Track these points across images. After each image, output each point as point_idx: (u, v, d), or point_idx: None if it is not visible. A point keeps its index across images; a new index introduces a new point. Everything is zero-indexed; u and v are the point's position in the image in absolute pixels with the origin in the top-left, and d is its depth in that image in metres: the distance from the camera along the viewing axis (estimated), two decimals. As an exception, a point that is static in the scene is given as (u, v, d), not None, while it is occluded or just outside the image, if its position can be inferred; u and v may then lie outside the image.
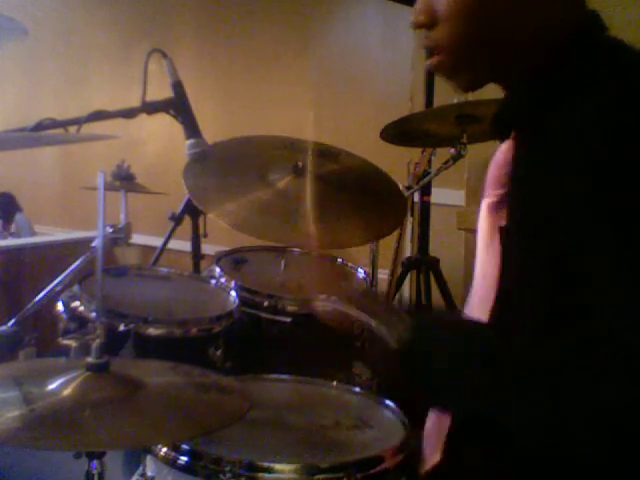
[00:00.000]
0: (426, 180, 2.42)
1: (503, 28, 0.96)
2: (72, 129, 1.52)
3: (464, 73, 1.01)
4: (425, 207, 2.88)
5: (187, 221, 2.43)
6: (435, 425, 1.31)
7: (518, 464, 0.94)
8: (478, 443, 0.99)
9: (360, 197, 1.89)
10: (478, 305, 1.11)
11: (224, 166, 1.84)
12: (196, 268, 2.44)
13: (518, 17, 0.96)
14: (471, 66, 1.00)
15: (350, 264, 2.18)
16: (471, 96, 1.74)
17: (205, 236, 2.43)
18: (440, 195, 3.08)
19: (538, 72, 0.97)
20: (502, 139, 1.02)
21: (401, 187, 2.20)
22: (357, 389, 1.58)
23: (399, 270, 2.69)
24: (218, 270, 1.95)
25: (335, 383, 1.59)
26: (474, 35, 0.97)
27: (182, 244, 2.46)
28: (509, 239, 0.99)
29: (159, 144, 4.49)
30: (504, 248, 1.00)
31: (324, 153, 1.94)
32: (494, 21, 0.96)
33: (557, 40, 0.96)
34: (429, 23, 0.97)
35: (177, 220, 2.40)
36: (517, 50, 0.98)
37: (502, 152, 1.02)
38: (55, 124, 1.53)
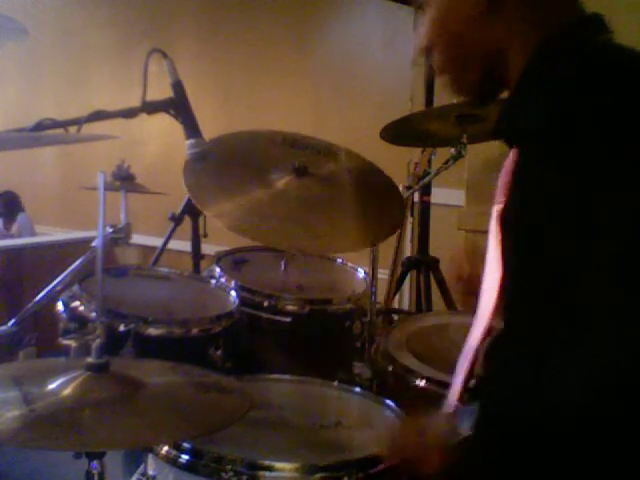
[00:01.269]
0: (426, 180, 2.41)
1: (476, 42, 1.03)
2: (72, 129, 1.52)
3: (463, 87, 1.09)
4: (425, 207, 2.88)
5: (187, 221, 2.43)
6: None
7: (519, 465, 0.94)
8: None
9: (359, 197, 1.89)
10: (482, 310, 1.12)
11: (224, 166, 1.84)
12: (196, 268, 2.44)
13: (485, 31, 1.01)
14: (464, 80, 1.07)
15: (350, 264, 2.18)
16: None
17: (205, 236, 2.43)
18: (440, 195, 3.08)
19: (523, 78, 0.99)
20: (510, 146, 1.04)
21: (401, 187, 2.20)
22: (357, 389, 1.58)
23: (399, 270, 2.69)
24: (218, 270, 1.95)
25: (335, 383, 1.59)
26: (454, 53, 1.06)
27: (182, 244, 2.46)
28: (507, 242, 1.00)
29: (159, 144, 4.49)
30: (502, 251, 1.02)
31: (324, 151, 1.94)
32: (465, 38, 1.03)
33: (538, 45, 0.98)
34: (426, 50, 1.08)
35: (177, 220, 2.40)
36: (498, 59, 1.02)
37: (510, 159, 1.03)
38: (55, 124, 1.52)
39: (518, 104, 1.01)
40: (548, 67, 0.96)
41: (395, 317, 2.34)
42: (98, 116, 1.53)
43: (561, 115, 0.89)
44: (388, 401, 1.49)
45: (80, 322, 1.59)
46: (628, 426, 0.81)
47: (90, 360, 1.17)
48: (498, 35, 1.01)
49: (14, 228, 5.13)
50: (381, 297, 2.30)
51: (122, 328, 1.54)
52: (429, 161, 2.46)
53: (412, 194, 2.48)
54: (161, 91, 1.65)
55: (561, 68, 0.94)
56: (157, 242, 2.48)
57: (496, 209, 1.06)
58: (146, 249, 3.48)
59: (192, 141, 1.73)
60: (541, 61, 0.97)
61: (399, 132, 2.19)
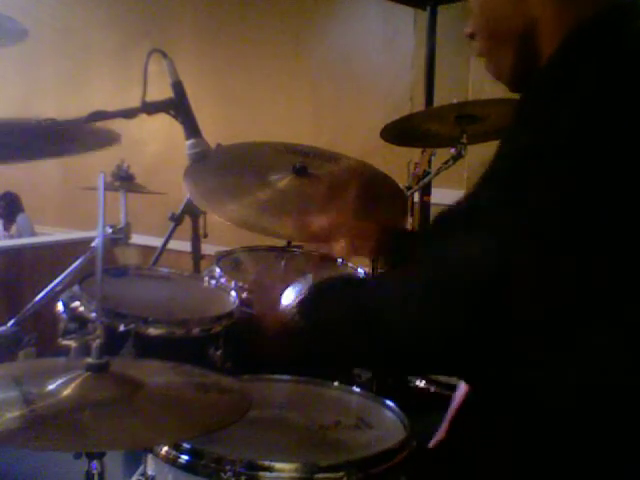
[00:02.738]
0: (426, 180, 2.41)
1: (510, 21, 1.06)
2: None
3: (500, 70, 1.12)
4: (425, 207, 2.88)
5: (187, 221, 2.43)
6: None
7: (517, 441, 0.96)
8: (478, 421, 1.01)
9: (359, 197, 1.89)
10: None
11: (225, 167, 1.84)
12: (196, 268, 2.44)
13: (518, 9, 1.04)
14: (500, 63, 1.11)
15: (350, 264, 2.18)
16: (471, 96, 1.75)
17: (205, 236, 2.43)
18: (440, 195, 3.07)
19: (553, 61, 1.01)
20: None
21: (401, 187, 2.20)
22: (357, 389, 1.58)
23: (399, 270, 2.69)
24: (218, 270, 1.95)
25: (335, 383, 1.59)
26: (491, 33, 1.10)
27: (182, 244, 2.46)
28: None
29: (159, 144, 4.49)
30: None
31: (324, 158, 1.94)
32: (501, 16, 1.07)
33: (570, 31, 0.99)
34: (471, 34, 1.14)
35: (177, 220, 2.40)
36: (531, 42, 1.05)
37: None
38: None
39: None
40: (578, 55, 0.97)
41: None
42: (98, 116, 1.53)
43: (591, 110, 0.90)
44: (388, 401, 1.49)
45: (80, 322, 1.58)
46: None
47: (90, 360, 1.17)
48: (530, 13, 1.03)
49: (14, 229, 5.14)
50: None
51: (122, 328, 1.54)
52: (429, 161, 2.46)
53: (412, 194, 2.48)
54: (161, 91, 1.65)
55: (593, 57, 0.95)
56: (157, 242, 2.48)
57: None
58: (146, 249, 3.49)
59: (192, 141, 1.73)
60: (571, 48, 0.98)
61: (399, 132, 2.19)
